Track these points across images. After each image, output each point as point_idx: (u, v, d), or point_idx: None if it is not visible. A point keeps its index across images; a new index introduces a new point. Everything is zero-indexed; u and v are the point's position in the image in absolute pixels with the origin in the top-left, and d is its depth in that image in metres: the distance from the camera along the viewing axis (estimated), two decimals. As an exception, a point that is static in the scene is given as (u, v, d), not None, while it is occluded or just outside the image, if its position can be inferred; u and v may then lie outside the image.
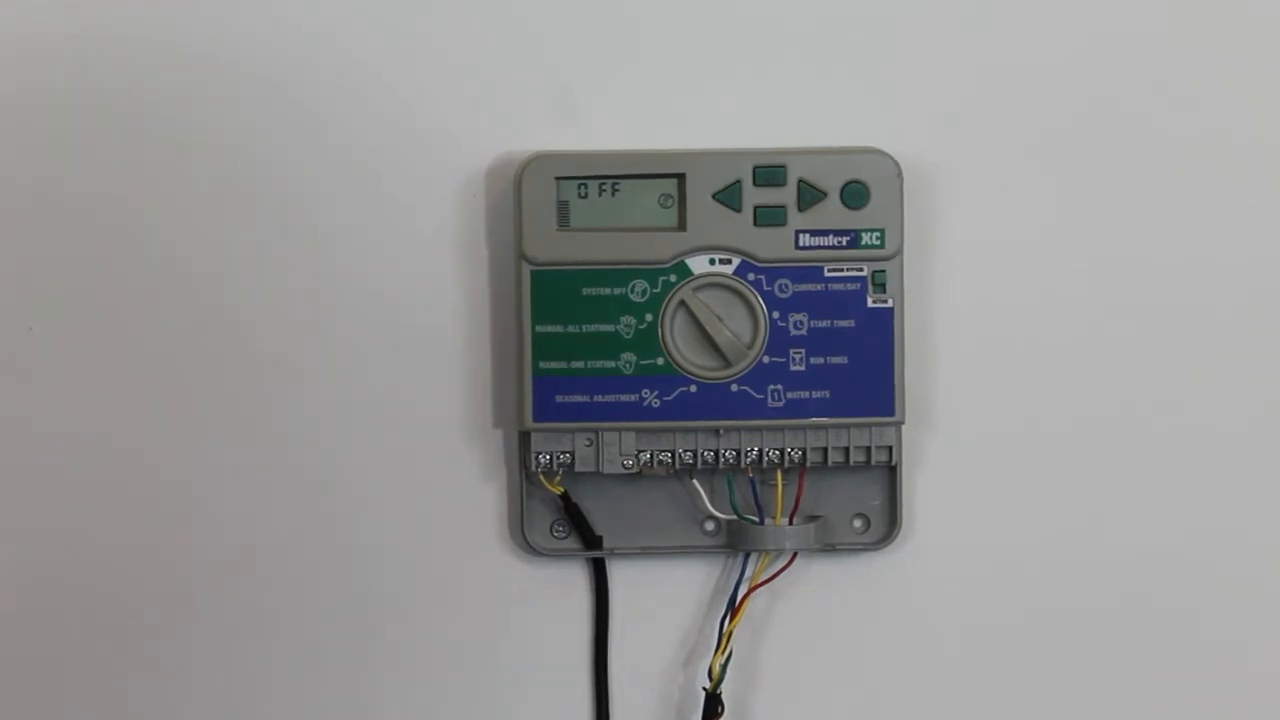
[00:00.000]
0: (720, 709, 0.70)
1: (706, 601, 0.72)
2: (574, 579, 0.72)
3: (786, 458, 0.69)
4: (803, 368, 0.68)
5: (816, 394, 0.68)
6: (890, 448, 0.69)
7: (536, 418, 0.68)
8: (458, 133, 0.70)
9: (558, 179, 0.68)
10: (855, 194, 0.68)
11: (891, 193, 0.68)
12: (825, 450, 0.69)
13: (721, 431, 0.69)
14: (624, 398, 0.68)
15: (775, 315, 0.68)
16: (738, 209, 0.68)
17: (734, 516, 0.70)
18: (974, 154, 0.71)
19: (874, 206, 0.68)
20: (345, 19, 0.70)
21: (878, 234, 0.68)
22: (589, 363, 0.68)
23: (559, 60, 0.70)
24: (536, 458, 0.69)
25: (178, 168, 0.70)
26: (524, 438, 0.69)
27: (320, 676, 0.71)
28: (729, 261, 0.68)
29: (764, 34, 0.70)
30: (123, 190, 0.70)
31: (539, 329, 0.68)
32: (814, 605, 0.72)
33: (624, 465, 0.69)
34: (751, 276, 0.68)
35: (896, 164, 0.68)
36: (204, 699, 0.71)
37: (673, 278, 0.68)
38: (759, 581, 0.70)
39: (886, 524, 0.71)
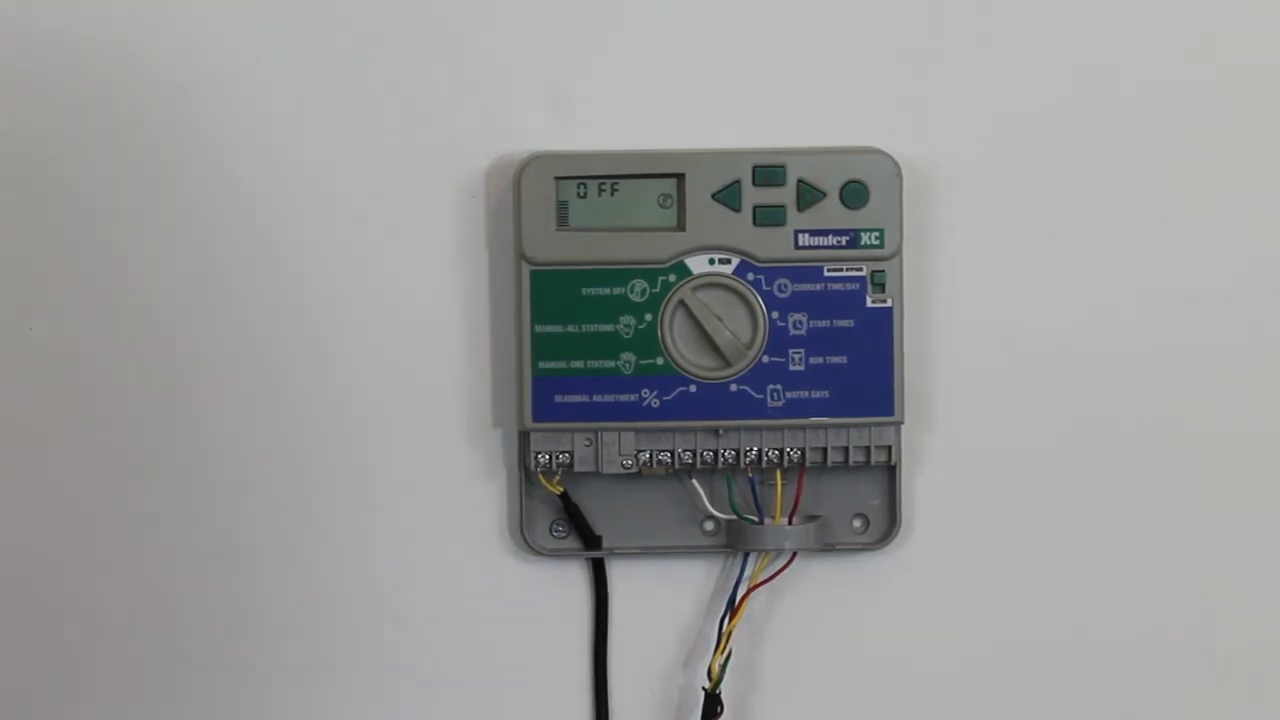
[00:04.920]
0: (720, 709, 0.70)
1: (706, 601, 0.72)
2: (574, 579, 0.72)
3: (786, 458, 0.69)
4: (802, 367, 0.68)
5: (816, 394, 0.68)
6: (890, 448, 0.69)
7: (536, 417, 0.68)
8: (458, 133, 0.70)
9: (557, 179, 0.68)
10: (855, 194, 0.68)
11: (891, 193, 0.68)
12: (825, 450, 0.69)
13: (721, 431, 0.69)
14: (623, 397, 0.68)
15: (774, 315, 0.68)
16: (737, 209, 0.68)
17: (733, 516, 0.70)
18: (974, 154, 0.71)
19: (873, 206, 0.68)
20: (344, 20, 0.70)
21: (877, 234, 0.68)
22: (588, 363, 0.68)
23: (559, 60, 0.70)
24: (536, 457, 0.69)
25: (176, 168, 0.70)
26: (524, 437, 0.69)
27: (320, 676, 0.72)
28: (728, 261, 0.68)
29: (763, 34, 0.70)
30: (123, 191, 0.70)
31: (539, 329, 0.68)
32: (813, 605, 0.72)
33: (623, 465, 0.69)
34: (751, 276, 0.68)
35: (896, 164, 0.68)
36: (202, 698, 0.71)
37: (672, 278, 0.68)
38: (758, 581, 0.70)
39: (886, 524, 0.71)
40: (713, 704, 0.70)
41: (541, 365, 0.68)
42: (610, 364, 0.68)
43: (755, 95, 0.71)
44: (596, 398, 0.68)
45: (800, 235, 0.68)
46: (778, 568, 0.71)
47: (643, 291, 0.68)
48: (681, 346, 0.68)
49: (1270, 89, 0.72)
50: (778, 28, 0.70)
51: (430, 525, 0.71)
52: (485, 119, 0.70)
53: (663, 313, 0.68)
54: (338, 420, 0.71)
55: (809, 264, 0.68)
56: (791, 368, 0.68)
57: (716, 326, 0.68)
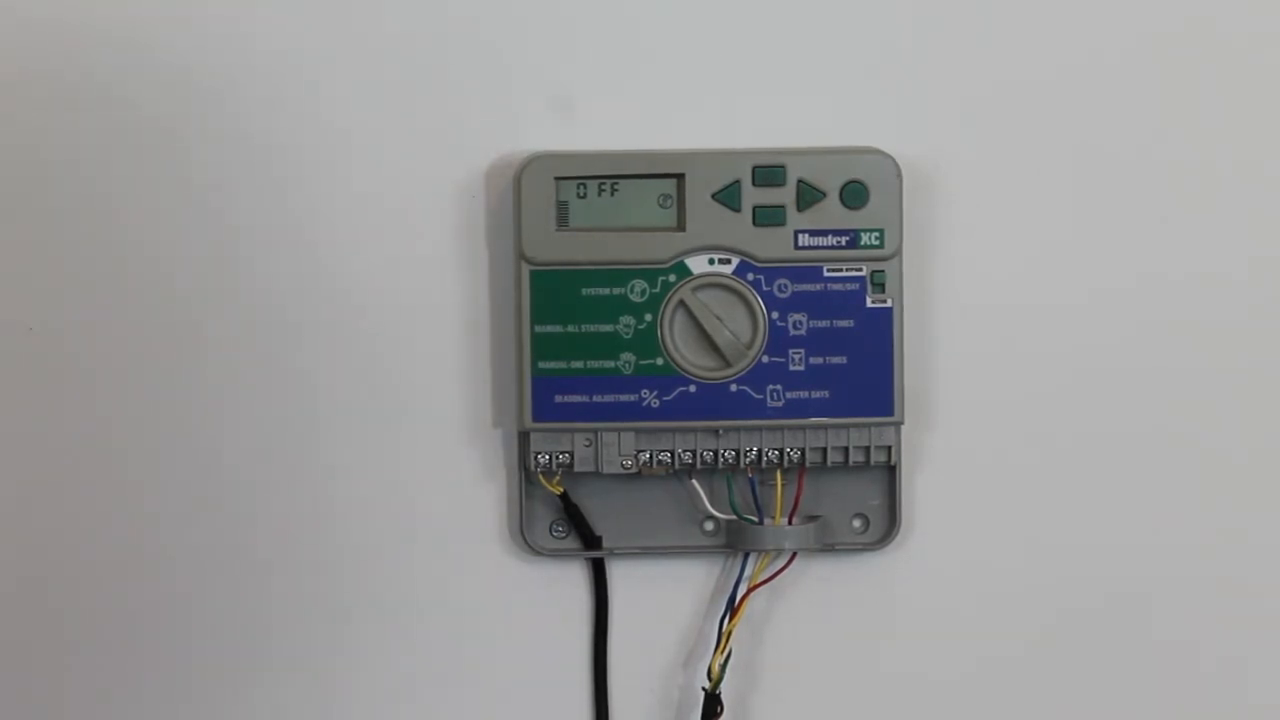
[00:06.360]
0: (720, 709, 0.70)
1: (706, 601, 0.72)
2: (574, 579, 0.72)
3: (786, 458, 0.69)
4: (802, 368, 0.68)
5: (816, 394, 0.68)
6: (889, 448, 0.69)
7: (536, 418, 0.68)
8: (458, 133, 0.70)
9: (557, 179, 0.68)
10: (855, 194, 0.68)
11: (891, 193, 0.68)
12: (825, 450, 0.69)
13: (721, 431, 0.69)
14: (623, 398, 0.68)
15: (774, 315, 0.68)
16: (737, 209, 0.68)
17: (733, 516, 0.70)
18: (974, 154, 0.71)
19: (873, 206, 0.68)
20: (345, 19, 0.70)
21: (877, 234, 0.68)
22: (588, 363, 0.68)
23: (559, 60, 0.70)
24: (536, 458, 0.69)
25: (176, 168, 0.70)
26: (523, 438, 0.69)
27: (320, 676, 0.72)
28: (728, 261, 0.68)
29: (763, 34, 0.70)
30: (122, 190, 0.70)
31: (539, 329, 0.68)
32: (813, 605, 0.72)
33: (623, 465, 0.69)
34: (751, 276, 0.68)
35: (896, 164, 0.68)
36: (202, 697, 0.71)
37: (672, 278, 0.68)
38: (758, 581, 0.70)
39: (886, 524, 0.71)
40: (713, 704, 0.70)
41: (541, 365, 0.68)
42: (610, 364, 0.68)
43: (755, 95, 0.71)
44: (596, 398, 0.68)
45: (800, 235, 0.68)
46: (778, 568, 0.71)
47: (643, 291, 0.68)
48: (681, 346, 0.68)
49: (1270, 89, 0.71)
50: (777, 28, 0.70)
51: (430, 525, 0.71)
52: (485, 119, 0.70)
53: (663, 313, 0.68)
54: (338, 420, 0.71)
55: (809, 264, 0.68)
56: (791, 368, 0.68)
57: (716, 326, 0.68)
